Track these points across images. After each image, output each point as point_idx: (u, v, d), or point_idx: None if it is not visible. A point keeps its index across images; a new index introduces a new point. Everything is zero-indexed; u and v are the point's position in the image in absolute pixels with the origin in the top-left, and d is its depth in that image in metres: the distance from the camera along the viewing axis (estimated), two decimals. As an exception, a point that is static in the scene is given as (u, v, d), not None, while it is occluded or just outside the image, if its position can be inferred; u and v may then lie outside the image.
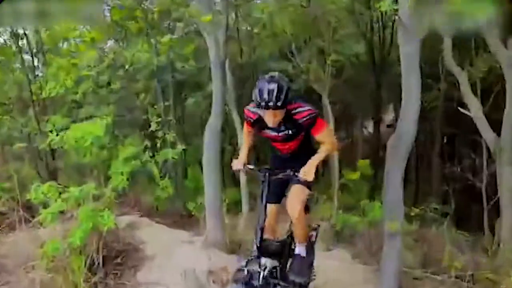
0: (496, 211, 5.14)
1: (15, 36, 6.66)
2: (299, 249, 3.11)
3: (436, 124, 7.76)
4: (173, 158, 6.04)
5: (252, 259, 2.78)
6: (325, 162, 9.51)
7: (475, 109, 4.90)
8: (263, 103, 2.57)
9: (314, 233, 3.50)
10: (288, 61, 6.71)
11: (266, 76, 2.71)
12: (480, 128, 4.83)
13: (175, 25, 6.68)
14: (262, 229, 2.76)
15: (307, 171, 2.72)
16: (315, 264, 3.26)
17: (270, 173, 2.92)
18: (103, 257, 4.16)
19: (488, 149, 5.13)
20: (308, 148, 3.06)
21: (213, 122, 4.69)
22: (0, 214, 5.03)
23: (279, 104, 2.55)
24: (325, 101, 6.27)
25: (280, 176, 2.90)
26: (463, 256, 4.59)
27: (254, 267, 2.74)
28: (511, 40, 4.48)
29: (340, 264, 4.76)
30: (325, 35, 6.35)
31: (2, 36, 6.89)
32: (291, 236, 3.27)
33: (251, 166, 3.17)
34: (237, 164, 3.08)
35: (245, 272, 2.73)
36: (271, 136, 2.99)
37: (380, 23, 8.47)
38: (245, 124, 3.19)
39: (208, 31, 4.74)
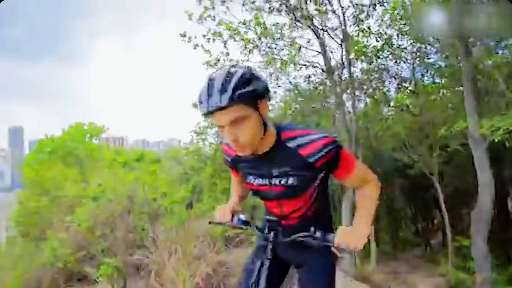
0: None
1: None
2: None
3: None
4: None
5: None
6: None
7: None
8: (203, 107, 1.04)
9: None
10: (404, 152, 6.82)
11: None
12: None
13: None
14: None
15: (357, 240, 1.17)
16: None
17: (278, 230, 1.30)
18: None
19: None
20: (326, 208, 1.43)
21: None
22: (229, 238, 6.13)
23: (224, 100, 0.99)
24: (436, 183, 6.27)
25: (297, 237, 1.25)
26: None
27: None
28: None
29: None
30: (431, 136, 6.45)
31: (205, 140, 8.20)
32: None
33: (243, 217, 1.40)
34: (221, 215, 1.41)
35: None
36: (258, 188, 1.29)
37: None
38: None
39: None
